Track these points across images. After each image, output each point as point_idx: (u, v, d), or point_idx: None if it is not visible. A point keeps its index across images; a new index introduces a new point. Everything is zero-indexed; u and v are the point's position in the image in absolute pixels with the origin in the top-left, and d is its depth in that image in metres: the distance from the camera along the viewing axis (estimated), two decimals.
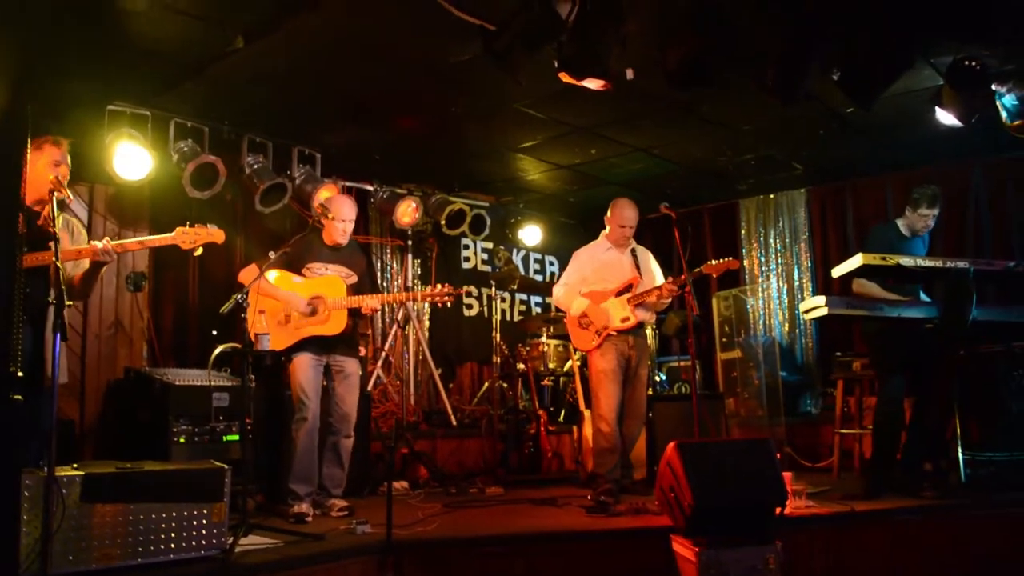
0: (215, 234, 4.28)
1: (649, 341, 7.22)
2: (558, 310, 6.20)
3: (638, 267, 5.84)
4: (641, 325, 5.78)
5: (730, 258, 5.52)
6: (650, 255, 6.05)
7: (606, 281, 5.78)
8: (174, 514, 3.56)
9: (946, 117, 5.39)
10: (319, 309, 5.03)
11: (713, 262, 5.52)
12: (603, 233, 5.98)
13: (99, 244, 3.91)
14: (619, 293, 5.71)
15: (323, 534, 4.22)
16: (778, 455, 4.28)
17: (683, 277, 5.42)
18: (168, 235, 4.20)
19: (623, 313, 5.64)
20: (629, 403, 5.72)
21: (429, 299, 5.27)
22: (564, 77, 4.64)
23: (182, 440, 5.11)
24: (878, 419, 5.38)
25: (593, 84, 4.70)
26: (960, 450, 5.08)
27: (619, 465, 5.63)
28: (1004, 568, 4.55)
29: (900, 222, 5.52)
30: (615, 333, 5.62)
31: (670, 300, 5.78)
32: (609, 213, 5.88)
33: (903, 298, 5.22)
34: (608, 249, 5.89)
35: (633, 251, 5.91)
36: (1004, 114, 5.27)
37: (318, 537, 4.15)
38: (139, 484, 3.53)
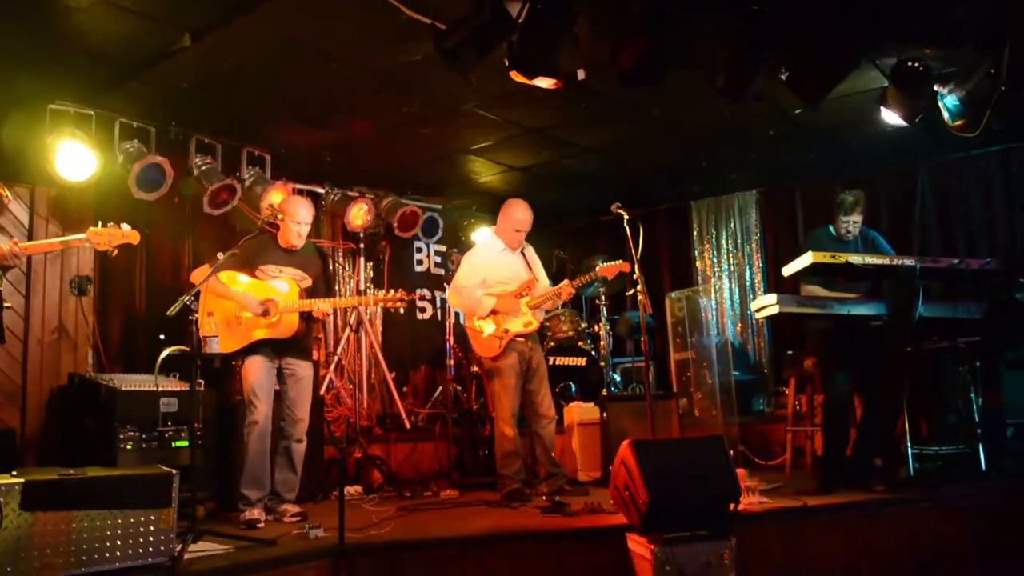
0: (129, 235, 4.24)
1: (602, 342, 7.23)
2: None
3: (530, 268, 5.84)
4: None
5: (620, 260, 5.59)
6: (534, 252, 6.01)
7: (504, 283, 5.74)
8: (119, 521, 3.47)
9: (891, 117, 5.48)
10: (271, 311, 4.94)
11: (606, 264, 5.67)
12: (492, 231, 5.93)
13: (4, 247, 3.83)
14: (518, 296, 5.69)
15: (275, 539, 4.16)
16: (731, 452, 4.29)
17: (579, 280, 5.60)
18: (79, 235, 4.15)
19: (526, 317, 5.65)
20: (540, 404, 5.68)
21: (382, 304, 5.21)
22: (515, 76, 4.62)
23: (129, 447, 5.00)
24: (826, 414, 5.45)
25: (544, 83, 4.70)
26: (908, 445, 5.10)
27: (523, 468, 5.66)
28: (953, 559, 4.61)
29: (832, 227, 5.56)
30: (518, 338, 5.61)
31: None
32: (502, 214, 5.81)
33: (850, 295, 5.26)
34: (503, 250, 5.82)
35: (522, 251, 5.89)
36: (946, 114, 5.38)
37: (269, 542, 4.09)
38: (82, 490, 3.43)
